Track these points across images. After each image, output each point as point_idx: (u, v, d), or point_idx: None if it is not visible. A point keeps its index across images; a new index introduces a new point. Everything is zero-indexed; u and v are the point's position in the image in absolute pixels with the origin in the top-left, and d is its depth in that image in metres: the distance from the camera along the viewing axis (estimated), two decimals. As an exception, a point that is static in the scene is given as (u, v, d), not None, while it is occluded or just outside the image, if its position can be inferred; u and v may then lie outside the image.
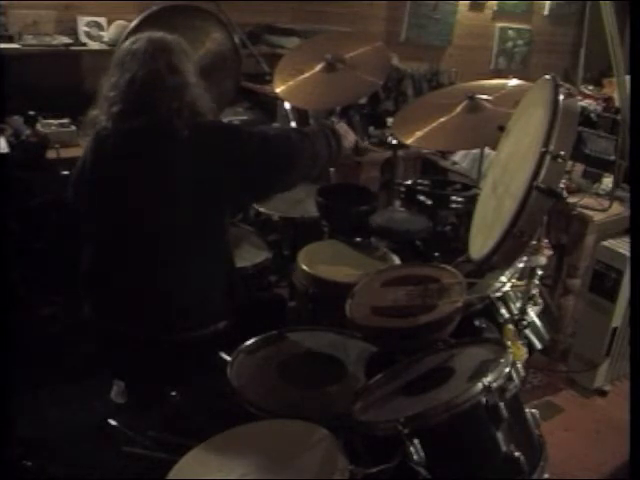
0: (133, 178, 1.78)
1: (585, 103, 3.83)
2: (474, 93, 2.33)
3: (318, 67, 2.54)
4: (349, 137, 2.15)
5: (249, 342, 1.85)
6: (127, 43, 1.82)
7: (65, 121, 2.91)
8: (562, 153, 1.37)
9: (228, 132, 1.90)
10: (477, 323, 1.94)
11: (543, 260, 1.61)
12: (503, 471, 1.35)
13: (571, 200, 2.78)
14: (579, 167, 3.08)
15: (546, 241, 1.61)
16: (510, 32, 5.00)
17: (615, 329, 2.79)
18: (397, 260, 2.26)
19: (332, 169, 2.89)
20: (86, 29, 3.15)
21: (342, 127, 2.16)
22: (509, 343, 1.60)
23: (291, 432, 1.46)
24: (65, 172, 2.52)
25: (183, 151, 1.75)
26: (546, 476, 1.41)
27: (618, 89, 2.85)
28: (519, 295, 1.88)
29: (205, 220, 1.82)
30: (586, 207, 2.86)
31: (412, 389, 1.51)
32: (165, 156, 1.76)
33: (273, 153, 1.89)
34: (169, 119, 1.73)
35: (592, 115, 3.22)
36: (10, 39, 2.93)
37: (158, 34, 1.81)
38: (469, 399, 1.33)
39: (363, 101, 3.68)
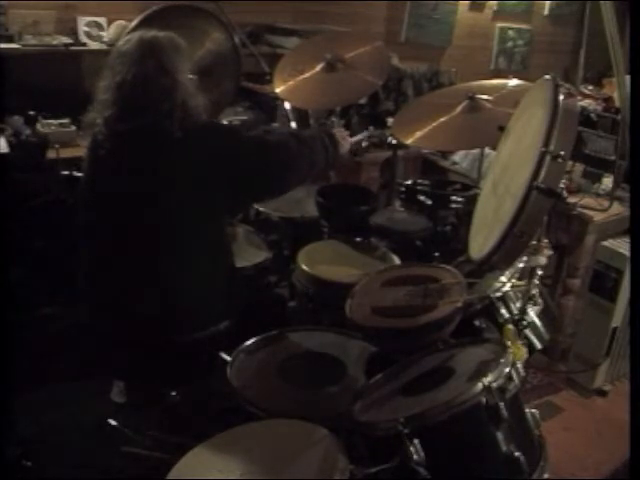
0: (130, 180, 1.77)
1: (585, 103, 3.83)
2: (474, 93, 2.33)
3: (318, 67, 2.54)
4: (345, 144, 2.16)
5: (249, 342, 1.84)
6: (119, 44, 1.82)
7: (65, 121, 2.91)
8: (562, 153, 1.37)
9: (225, 133, 1.90)
10: (477, 323, 1.95)
11: (543, 260, 1.61)
12: (503, 471, 1.35)
13: (571, 200, 2.78)
14: (579, 167, 3.08)
15: (546, 241, 1.61)
16: (510, 32, 5.00)
17: (615, 329, 2.80)
18: (397, 260, 2.26)
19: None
20: (86, 29, 3.15)
21: (340, 132, 2.16)
22: (509, 343, 1.60)
23: (291, 432, 1.46)
24: (65, 172, 2.53)
25: (179, 152, 1.74)
26: (546, 476, 1.41)
27: (618, 89, 2.84)
28: (519, 295, 1.87)
29: (204, 221, 1.82)
30: (586, 207, 2.87)
31: (412, 389, 1.51)
32: (160, 158, 1.76)
33: (270, 156, 1.90)
34: (161, 121, 1.72)
35: (592, 115, 3.22)
36: (10, 39, 2.93)
37: (149, 33, 1.79)
38: (469, 399, 1.33)
39: (363, 101, 3.68)
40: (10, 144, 2.60)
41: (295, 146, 1.94)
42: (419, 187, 2.69)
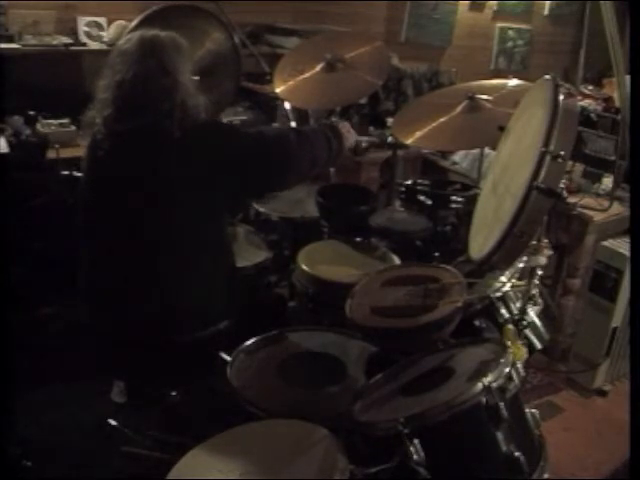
0: (130, 180, 1.77)
1: (585, 103, 3.83)
2: (474, 93, 2.33)
3: (318, 67, 2.54)
4: (350, 137, 2.15)
5: (249, 342, 1.84)
6: (119, 43, 1.82)
7: (65, 121, 2.91)
8: (562, 153, 1.37)
9: (223, 131, 1.89)
10: (477, 323, 1.95)
11: (543, 260, 1.61)
12: (503, 471, 1.35)
13: (571, 200, 2.78)
14: (579, 167, 3.08)
15: (546, 241, 1.61)
16: (510, 32, 5.00)
17: (615, 329, 2.80)
18: (397, 260, 2.26)
19: (332, 169, 2.89)
20: (86, 29, 3.15)
21: (345, 126, 2.15)
22: (509, 343, 1.60)
23: (291, 432, 1.46)
24: (65, 172, 2.53)
25: (178, 152, 1.74)
26: (546, 476, 1.41)
27: (618, 89, 2.84)
28: (519, 295, 1.88)
29: (204, 221, 1.82)
30: (586, 207, 2.87)
31: (412, 389, 1.51)
32: (159, 157, 1.76)
33: (270, 152, 1.89)
34: (160, 120, 1.72)
35: (592, 115, 3.22)
36: (10, 39, 2.93)
37: (150, 33, 1.79)
38: (469, 399, 1.33)
39: (363, 101, 3.68)
40: (10, 144, 2.61)
41: (295, 140, 1.92)
42: (419, 187, 2.69)
